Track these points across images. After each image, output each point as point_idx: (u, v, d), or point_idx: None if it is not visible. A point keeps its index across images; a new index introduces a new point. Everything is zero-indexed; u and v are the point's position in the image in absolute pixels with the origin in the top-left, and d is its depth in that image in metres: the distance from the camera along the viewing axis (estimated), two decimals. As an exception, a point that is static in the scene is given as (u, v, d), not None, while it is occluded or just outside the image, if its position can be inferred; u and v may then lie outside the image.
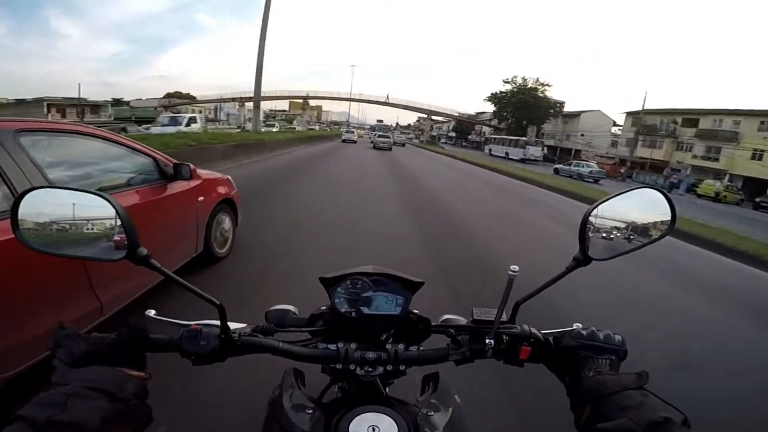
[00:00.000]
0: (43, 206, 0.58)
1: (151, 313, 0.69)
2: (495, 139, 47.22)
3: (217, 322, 0.64)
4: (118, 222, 0.56)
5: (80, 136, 2.24)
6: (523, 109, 49.98)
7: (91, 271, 1.95)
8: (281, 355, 0.66)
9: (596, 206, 0.64)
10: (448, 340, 0.72)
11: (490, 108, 58.17)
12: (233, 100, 63.19)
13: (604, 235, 0.65)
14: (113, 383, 0.48)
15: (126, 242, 0.56)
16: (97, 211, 0.57)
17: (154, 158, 2.77)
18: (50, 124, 2.22)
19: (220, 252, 3.59)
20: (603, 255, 0.64)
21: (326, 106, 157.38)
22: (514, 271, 0.61)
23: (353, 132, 44.39)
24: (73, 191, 0.59)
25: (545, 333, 0.69)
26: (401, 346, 0.70)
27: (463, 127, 77.09)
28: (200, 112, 53.73)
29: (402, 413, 0.60)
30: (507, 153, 39.13)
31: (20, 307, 1.66)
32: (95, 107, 34.39)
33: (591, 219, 0.64)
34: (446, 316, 0.78)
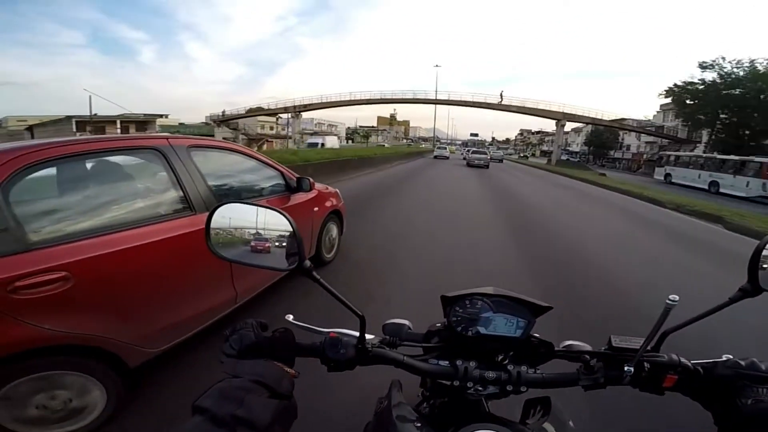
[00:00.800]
0: (229, 219, 0.66)
1: (290, 317, 0.73)
2: (680, 158, 27.17)
3: (352, 332, 0.68)
4: (289, 235, 0.62)
5: (230, 152, 2.70)
6: (741, 110, 29.15)
7: (234, 267, 2.31)
8: (404, 368, 0.68)
9: None
10: (568, 365, 0.72)
11: (635, 113, 45.97)
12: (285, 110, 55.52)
13: None
14: (273, 378, 0.52)
15: (295, 254, 0.61)
16: (273, 224, 0.64)
17: (281, 172, 3.18)
18: (211, 141, 2.71)
19: (327, 257, 3.93)
20: None
21: (414, 122, 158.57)
22: (673, 301, 0.59)
23: (445, 148, 45.07)
24: (255, 206, 0.66)
25: (694, 363, 0.67)
26: (524, 368, 0.69)
27: (603, 139, 58.23)
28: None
29: None
30: (714, 183, 22.15)
31: (178, 293, 2.03)
32: (141, 123, 35.84)
33: (766, 251, 0.61)
34: (568, 342, 0.77)
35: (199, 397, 0.47)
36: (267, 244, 0.64)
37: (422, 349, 0.75)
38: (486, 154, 29.80)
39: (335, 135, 63.37)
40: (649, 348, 0.67)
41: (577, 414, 0.75)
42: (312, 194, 3.46)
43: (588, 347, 0.74)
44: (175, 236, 1.90)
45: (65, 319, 1.48)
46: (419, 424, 0.62)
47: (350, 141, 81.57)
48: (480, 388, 0.69)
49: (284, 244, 0.63)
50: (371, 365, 0.69)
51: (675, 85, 34.50)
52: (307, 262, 0.61)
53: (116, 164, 1.93)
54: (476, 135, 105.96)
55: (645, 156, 47.87)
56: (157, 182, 2.05)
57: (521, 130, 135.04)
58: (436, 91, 51.58)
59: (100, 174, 1.86)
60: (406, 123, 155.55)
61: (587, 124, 50.62)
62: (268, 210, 0.64)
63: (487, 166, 26.49)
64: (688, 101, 34.05)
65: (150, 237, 1.81)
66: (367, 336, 0.70)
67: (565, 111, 44.84)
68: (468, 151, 38.45)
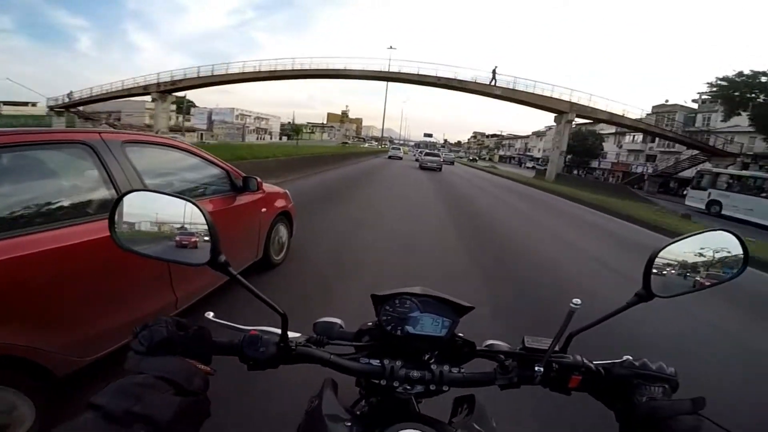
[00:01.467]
0: (137, 208, 0.62)
1: (210, 315, 0.71)
2: (739, 179, 19.13)
3: (274, 329, 0.67)
4: (204, 228, 0.59)
5: (170, 148, 2.57)
6: None
7: (173, 270, 2.19)
8: (331, 367, 0.68)
9: (665, 247, 0.66)
10: (490, 364, 0.74)
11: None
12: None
13: (671, 273, 0.67)
14: (182, 375, 0.50)
15: (210, 249, 0.58)
16: (185, 216, 0.60)
17: (227, 170, 3.07)
18: (148, 137, 2.55)
19: (276, 259, 3.84)
20: (666, 292, 0.66)
21: (367, 120, 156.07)
22: (576, 304, 0.62)
23: (399, 149, 44.90)
24: (166, 196, 0.62)
25: (596, 363, 0.70)
26: (446, 367, 0.71)
27: (587, 145, 46.64)
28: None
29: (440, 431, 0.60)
30: None
31: (110, 298, 1.90)
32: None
33: (658, 259, 0.65)
34: (490, 342, 0.79)
35: (96, 394, 0.44)
36: (179, 237, 0.61)
37: (354, 347, 0.76)
38: (439, 156, 29.33)
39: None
40: (557, 349, 0.70)
41: (499, 412, 0.80)
42: (259, 194, 3.37)
43: (507, 347, 0.77)
44: (104, 237, 1.77)
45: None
46: (349, 424, 0.62)
47: (285, 138, 73.24)
48: (408, 387, 0.70)
49: (198, 237, 0.60)
50: (297, 364, 0.68)
51: (722, 78, 26.10)
52: (222, 257, 0.59)
53: (39, 160, 1.77)
54: (430, 135, 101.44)
55: (644, 170, 40.13)
56: (86, 180, 1.90)
57: (475, 132, 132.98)
58: (387, 78, 37.57)
59: (19, 170, 1.69)
60: (358, 121, 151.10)
61: (597, 122, 36.99)
62: (181, 200, 0.61)
63: (440, 169, 26.18)
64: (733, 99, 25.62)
65: (77, 238, 1.68)
66: (293, 334, 0.69)
67: (573, 101, 30.33)
68: (421, 152, 36.47)
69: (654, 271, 0.65)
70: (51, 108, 49.35)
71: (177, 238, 0.61)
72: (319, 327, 0.76)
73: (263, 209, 3.45)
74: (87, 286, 1.76)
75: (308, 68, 37.01)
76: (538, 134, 74.40)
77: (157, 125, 38.97)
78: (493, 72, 32.68)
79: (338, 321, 0.78)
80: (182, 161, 2.69)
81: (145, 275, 2.07)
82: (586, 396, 0.72)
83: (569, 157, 43.95)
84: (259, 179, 3.25)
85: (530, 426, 2.04)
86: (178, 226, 0.61)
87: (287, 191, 4.18)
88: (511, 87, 32.62)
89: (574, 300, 0.62)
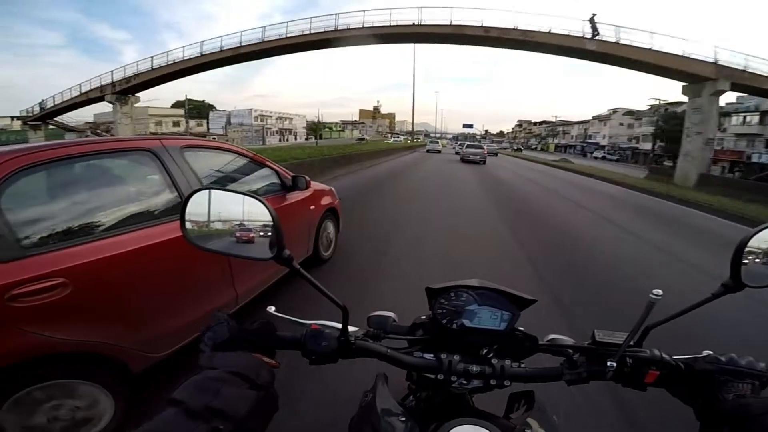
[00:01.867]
0: (205, 207, 0.63)
1: (272, 309, 0.71)
2: None
3: (334, 324, 0.67)
4: (269, 224, 0.60)
5: (223, 151, 2.68)
6: None
7: (234, 267, 2.28)
8: (388, 361, 0.68)
9: (756, 233, 0.62)
10: (551, 360, 0.72)
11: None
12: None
13: (762, 261, 0.62)
14: (252, 369, 0.52)
15: (275, 243, 0.59)
16: (248, 212, 0.61)
17: (276, 171, 3.15)
18: (203, 141, 2.68)
19: (325, 255, 3.91)
20: (756, 282, 0.61)
21: (401, 116, 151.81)
22: (656, 296, 0.58)
23: (437, 142, 45.20)
24: (232, 193, 0.64)
25: (676, 358, 0.68)
26: (508, 362, 0.69)
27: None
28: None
29: (500, 427, 0.59)
30: None
31: (178, 296, 2.00)
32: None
33: (750, 245, 0.61)
34: (553, 336, 0.76)
35: (175, 390, 0.46)
36: (246, 233, 0.62)
37: (407, 341, 0.75)
38: (482, 148, 25.39)
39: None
40: (632, 343, 0.67)
41: (559, 408, 0.74)
42: (308, 192, 3.44)
43: (571, 341, 0.74)
44: (172, 238, 1.86)
45: (65, 326, 1.44)
46: (404, 418, 0.62)
47: (310, 138, 64.02)
48: (464, 382, 0.69)
49: (264, 233, 0.61)
50: (355, 358, 0.68)
51: None
52: (287, 252, 0.59)
53: (110, 167, 1.89)
54: (470, 126, 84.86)
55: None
56: (151, 184, 2.01)
57: (519, 121, 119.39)
58: (414, 68, 41.49)
59: (94, 177, 1.82)
60: (391, 116, 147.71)
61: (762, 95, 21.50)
62: (248, 198, 0.61)
63: (484, 162, 22.83)
64: None
65: (148, 240, 1.79)
66: (351, 328, 0.69)
67: (722, 63, 18.02)
68: (460, 145, 33.77)
69: (745, 261, 0.61)
70: (23, 121, 40.66)
71: (241, 234, 0.62)
72: (374, 321, 0.76)
73: (312, 206, 3.52)
74: (158, 286, 1.87)
75: (300, 35, 25.33)
76: (601, 119, 63.66)
77: (120, 135, 26.15)
78: (592, 22, 19.73)
79: (392, 315, 0.78)
80: (235, 163, 2.80)
81: (209, 273, 2.16)
82: (657, 393, 0.69)
83: (659, 145, 38.22)
84: (308, 178, 3.32)
85: (599, 421, 1.95)
86: (242, 221, 0.62)
87: (333, 188, 4.24)
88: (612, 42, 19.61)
89: (655, 291, 0.58)
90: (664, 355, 0.67)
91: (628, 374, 0.67)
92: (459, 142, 40.54)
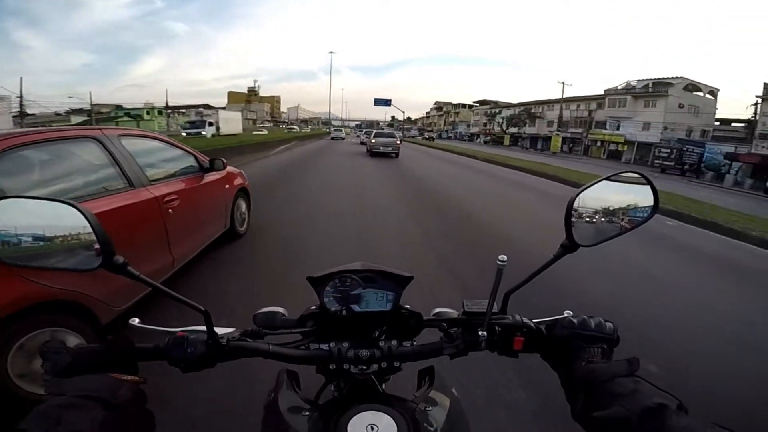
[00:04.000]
0: (12, 217, 0.55)
1: (135, 321, 0.67)
2: None
3: (204, 328, 0.63)
4: (88, 230, 0.54)
5: (151, 139, 3.11)
6: None
7: (170, 233, 2.76)
8: (272, 358, 0.65)
9: (580, 192, 0.65)
10: (441, 334, 0.72)
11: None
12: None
13: (589, 220, 0.65)
14: (106, 389, 0.48)
15: (102, 251, 0.54)
16: (69, 220, 0.54)
17: (194, 155, 3.62)
18: (135, 130, 3.09)
19: (240, 230, 4.44)
20: (589, 241, 0.64)
21: (308, 105, 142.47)
22: (502, 261, 0.60)
23: (341, 130, 46.43)
24: (41, 200, 0.57)
25: (537, 321, 0.69)
26: (394, 343, 0.69)
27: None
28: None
29: (400, 410, 0.59)
30: None
31: (126, 256, 2.42)
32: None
33: (576, 205, 0.64)
34: (438, 310, 0.77)
35: (20, 422, 0.42)
36: (62, 243, 0.56)
37: (300, 334, 0.73)
38: (395, 137, 20.66)
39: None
40: (496, 310, 0.68)
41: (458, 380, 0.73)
42: (222, 173, 3.93)
43: (454, 313, 0.75)
44: (122, 206, 2.32)
45: (55, 276, 1.80)
46: (307, 413, 0.62)
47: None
48: (364, 368, 0.68)
49: (86, 240, 0.55)
50: (234, 359, 0.65)
51: None
52: (119, 258, 0.54)
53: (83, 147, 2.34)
54: (387, 102, 54.20)
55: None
56: (99, 165, 2.40)
57: (438, 102, 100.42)
58: (331, 78, 36.03)
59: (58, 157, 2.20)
60: (272, 99, 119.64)
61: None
62: (59, 203, 0.55)
63: (396, 155, 19.19)
64: None
65: (104, 207, 2.20)
66: (225, 329, 0.68)
67: None
68: (366, 134, 29.69)
69: (573, 220, 0.63)
70: None
71: (63, 245, 0.56)
72: (260, 318, 0.73)
73: (226, 185, 4.03)
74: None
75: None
76: (634, 94, 38.66)
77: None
78: None
79: (280, 309, 0.75)
80: (161, 148, 3.24)
81: (150, 239, 2.62)
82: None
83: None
84: (225, 160, 3.84)
85: (494, 391, 2.10)
86: (63, 230, 0.56)
87: (242, 171, 4.74)
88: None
89: (501, 257, 0.61)
90: (525, 320, 0.68)
91: (498, 342, 0.68)
92: (364, 131, 36.33)
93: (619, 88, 42.48)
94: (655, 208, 0.66)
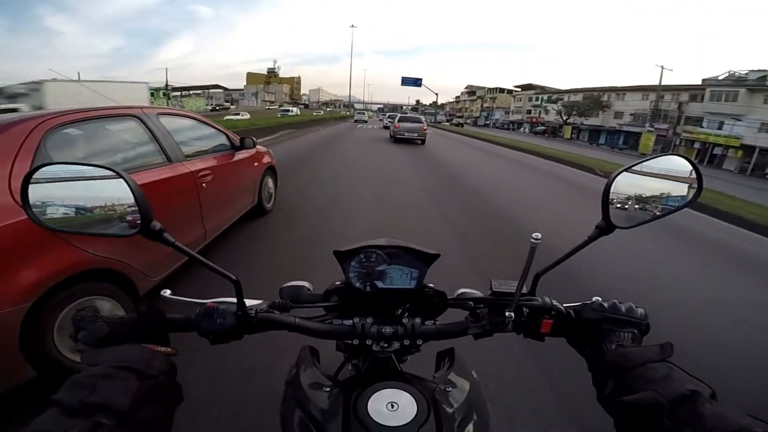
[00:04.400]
0: (55, 183, 0.57)
1: (167, 293, 0.69)
2: None
3: (233, 300, 0.63)
4: (130, 196, 0.55)
5: (186, 118, 3.29)
6: None
7: (203, 206, 2.93)
8: (298, 332, 0.66)
9: (619, 173, 0.63)
10: (465, 314, 0.71)
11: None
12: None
13: (628, 203, 0.64)
14: (141, 360, 0.49)
15: (139, 217, 0.55)
16: (110, 186, 0.56)
17: (225, 133, 3.77)
18: (172, 109, 3.28)
19: (267, 206, 4.63)
20: (626, 223, 0.62)
21: (330, 88, 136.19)
22: (536, 239, 0.59)
23: (364, 113, 48.55)
24: (86, 167, 0.58)
25: (567, 306, 0.67)
26: (418, 321, 0.69)
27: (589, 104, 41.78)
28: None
29: (420, 389, 0.59)
30: None
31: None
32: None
33: (614, 187, 0.62)
34: (462, 290, 0.77)
35: (56, 391, 0.43)
36: (105, 208, 0.57)
37: (324, 309, 0.74)
38: (421, 122, 18.69)
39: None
40: (525, 291, 0.67)
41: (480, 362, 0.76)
42: (252, 151, 4.08)
43: (478, 294, 0.74)
44: (161, 179, 2.48)
45: (99, 245, 1.94)
46: (328, 389, 0.62)
47: None
48: (385, 345, 0.68)
49: (127, 206, 0.56)
50: (262, 332, 0.66)
51: None
52: (156, 224, 0.55)
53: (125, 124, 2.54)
54: (417, 81, 50.32)
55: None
56: (139, 141, 2.58)
57: (470, 86, 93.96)
58: (351, 56, 34.98)
59: (104, 133, 2.39)
60: (291, 81, 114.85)
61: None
62: (103, 169, 0.57)
63: (423, 140, 17.79)
64: None
65: (144, 180, 2.35)
66: (253, 301, 0.68)
67: None
68: (390, 118, 27.25)
69: (612, 200, 0.62)
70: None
71: (104, 209, 0.57)
72: (286, 292, 0.74)
73: (255, 163, 4.19)
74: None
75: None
76: (752, 87, 30.56)
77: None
78: None
79: (305, 284, 0.76)
80: (196, 127, 3.42)
81: (185, 212, 2.79)
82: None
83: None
84: (255, 139, 3.98)
85: (518, 375, 2.10)
86: (100, 195, 0.57)
87: (270, 150, 4.88)
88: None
89: (534, 235, 0.59)
90: (555, 302, 0.67)
91: (525, 324, 0.67)
92: (388, 115, 32.94)
93: (721, 78, 35.07)
94: (699, 192, 0.64)
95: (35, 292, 1.62)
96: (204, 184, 2.94)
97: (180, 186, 2.71)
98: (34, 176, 0.55)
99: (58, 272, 1.72)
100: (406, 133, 17.36)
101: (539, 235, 0.59)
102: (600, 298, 0.65)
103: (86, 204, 0.57)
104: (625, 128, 41.27)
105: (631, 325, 0.60)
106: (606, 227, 0.61)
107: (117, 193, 0.56)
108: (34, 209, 0.55)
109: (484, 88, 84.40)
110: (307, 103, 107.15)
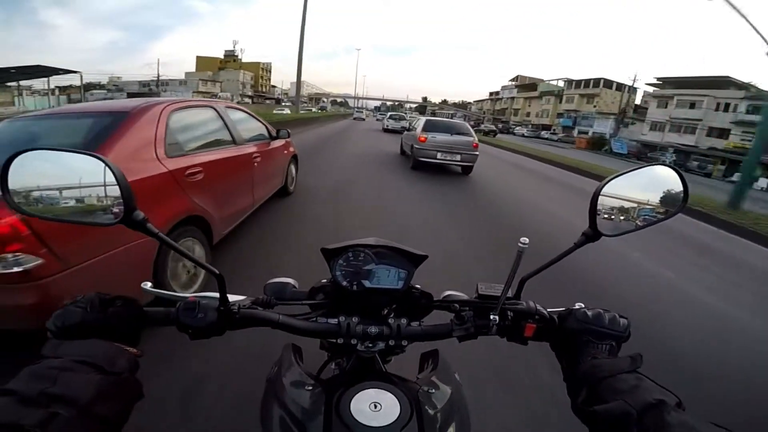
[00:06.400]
0: (37, 169, 0.55)
1: (147, 285, 0.67)
2: None
3: (216, 294, 0.62)
4: (113, 184, 0.53)
5: (241, 111, 4.14)
6: None
7: (254, 181, 3.75)
8: (281, 329, 0.64)
9: (607, 182, 0.63)
10: (450, 317, 0.70)
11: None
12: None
13: (615, 211, 0.64)
14: (105, 357, 0.48)
15: (123, 205, 0.53)
16: (93, 173, 0.54)
17: (264, 124, 4.61)
18: (234, 105, 4.14)
19: (291, 189, 5.49)
20: (612, 231, 0.63)
21: (328, 87, 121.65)
22: (524, 244, 0.58)
23: (362, 111, 51.55)
24: (67, 152, 0.56)
25: (551, 311, 0.67)
26: (404, 321, 0.68)
27: None
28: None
29: (403, 390, 0.59)
30: None
31: (229, 194, 3.37)
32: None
33: (601, 196, 0.62)
34: (448, 292, 0.77)
35: (9, 381, 0.42)
36: (88, 195, 0.55)
37: (309, 307, 0.73)
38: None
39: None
40: (510, 295, 0.67)
41: (462, 364, 0.81)
42: (283, 141, 4.93)
43: (464, 296, 0.74)
44: (231, 156, 3.32)
45: (199, 197, 2.74)
46: (310, 387, 0.62)
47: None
48: (370, 345, 0.68)
49: (110, 194, 0.54)
50: (244, 328, 0.64)
51: None
52: (139, 214, 0.53)
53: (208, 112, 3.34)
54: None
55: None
56: (216, 127, 3.41)
57: (520, 77, 71.59)
58: (356, 76, 30.35)
59: (199, 118, 3.20)
60: (257, 66, 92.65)
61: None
62: (85, 156, 0.54)
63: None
64: None
65: (222, 155, 3.18)
66: (236, 297, 0.67)
67: None
68: (389, 118, 27.43)
69: (599, 208, 0.62)
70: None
71: (85, 197, 0.56)
72: (270, 288, 0.73)
73: (285, 152, 5.07)
74: (225, 184, 3.27)
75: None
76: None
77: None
78: None
79: (291, 281, 0.76)
80: (247, 118, 4.24)
81: (242, 183, 3.60)
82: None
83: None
84: (289, 130, 4.86)
85: (496, 378, 2.09)
86: (82, 182, 0.55)
87: (291, 140, 5.72)
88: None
89: (522, 239, 0.59)
90: (539, 307, 0.67)
91: (509, 328, 0.67)
92: (379, 113, 32.26)
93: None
94: (684, 202, 0.64)
95: (168, 224, 2.34)
96: (255, 164, 3.79)
97: (242, 162, 3.55)
98: (15, 161, 0.53)
99: (179, 212, 2.47)
100: (439, 155, 9.32)
101: (527, 240, 0.58)
102: (584, 305, 0.66)
103: (68, 191, 0.56)
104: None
105: (610, 337, 0.60)
106: (592, 235, 0.62)
107: (101, 179, 0.54)
108: (13, 196, 0.53)
109: (565, 80, 55.08)
110: (279, 97, 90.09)
